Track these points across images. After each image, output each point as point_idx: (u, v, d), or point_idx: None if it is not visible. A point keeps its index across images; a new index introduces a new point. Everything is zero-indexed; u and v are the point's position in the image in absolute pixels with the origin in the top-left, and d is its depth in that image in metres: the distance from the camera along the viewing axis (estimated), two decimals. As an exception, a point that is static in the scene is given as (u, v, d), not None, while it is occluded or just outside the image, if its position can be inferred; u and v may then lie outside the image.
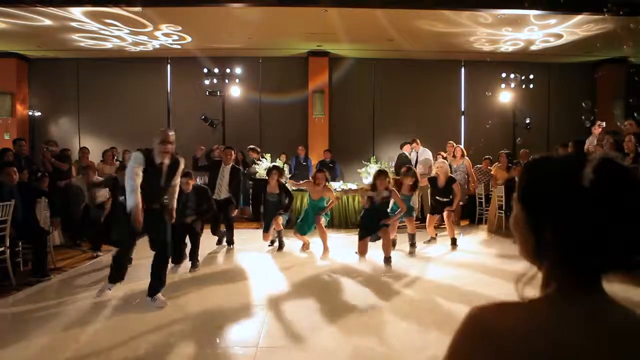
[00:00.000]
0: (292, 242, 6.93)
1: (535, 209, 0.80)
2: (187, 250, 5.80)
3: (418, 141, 9.81)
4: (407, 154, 9.66)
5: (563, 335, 0.72)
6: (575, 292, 0.77)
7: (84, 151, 8.25)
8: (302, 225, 6.45)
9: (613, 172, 0.75)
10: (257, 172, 9.26)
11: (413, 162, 9.74)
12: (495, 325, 0.75)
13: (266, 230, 6.60)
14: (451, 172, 9.05)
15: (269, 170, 6.79)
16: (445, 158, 9.18)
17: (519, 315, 0.75)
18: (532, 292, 0.80)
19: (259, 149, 9.64)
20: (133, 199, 4.07)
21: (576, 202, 0.75)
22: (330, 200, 6.54)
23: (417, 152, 9.80)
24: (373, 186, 5.90)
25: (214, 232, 6.82)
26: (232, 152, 7.19)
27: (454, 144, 9.54)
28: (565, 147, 7.52)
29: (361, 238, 5.97)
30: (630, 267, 0.77)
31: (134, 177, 4.13)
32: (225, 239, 6.86)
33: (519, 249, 0.84)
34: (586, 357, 0.72)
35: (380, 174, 5.92)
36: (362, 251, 5.96)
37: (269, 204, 6.60)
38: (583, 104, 7.55)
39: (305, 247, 6.62)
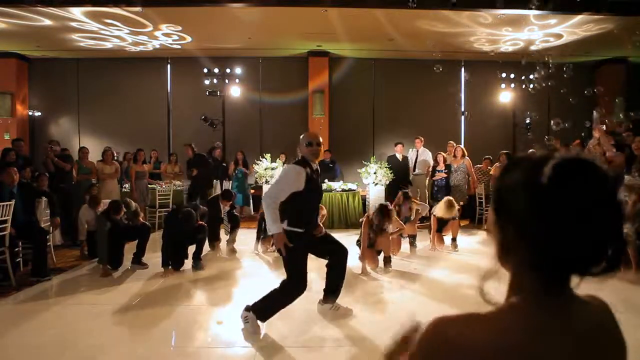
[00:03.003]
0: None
1: (500, 208, 0.79)
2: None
3: (422, 139, 9.75)
4: (398, 155, 9.59)
5: (533, 349, 0.70)
6: (541, 299, 0.74)
7: (83, 151, 8.23)
8: None
9: (572, 170, 0.72)
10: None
11: (412, 163, 9.72)
12: (461, 340, 0.72)
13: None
14: (451, 172, 9.07)
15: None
16: (445, 159, 9.18)
17: (487, 328, 0.72)
18: (496, 289, 0.79)
19: (192, 144, 9.71)
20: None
21: (533, 200, 0.72)
22: (323, 214, 6.56)
23: (417, 151, 9.78)
24: (378, 223, 5.52)
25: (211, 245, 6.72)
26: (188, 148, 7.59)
27: (454, 144, 9.53)
28: (566, 146, 7.49)
29: (369, 246, 5.58)
30: (597, 272, 0.73)
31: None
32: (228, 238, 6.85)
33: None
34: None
35: (383, 211, 5.51)
36: (372, 260, 5.58)
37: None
38: (594, 112, 7.56)
39: None
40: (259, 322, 3.65)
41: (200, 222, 5.87)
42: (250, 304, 3.68)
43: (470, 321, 0.74)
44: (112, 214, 5.54)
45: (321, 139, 3.75)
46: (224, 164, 10.53)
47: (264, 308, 3.64)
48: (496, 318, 0.74)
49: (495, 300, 0.77)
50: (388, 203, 5.95)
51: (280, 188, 3.57)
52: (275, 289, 3.64)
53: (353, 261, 5.95)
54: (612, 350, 0.77)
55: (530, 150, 0.83)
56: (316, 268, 5.71)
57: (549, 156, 0.74)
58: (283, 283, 3.63)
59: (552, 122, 7.09)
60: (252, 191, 10.45)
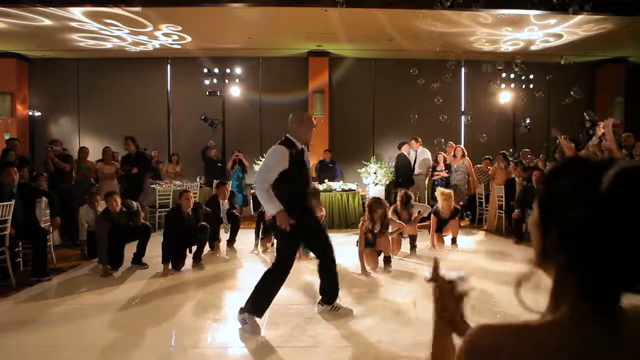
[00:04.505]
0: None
1: (547, 208, 0.75)
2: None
3: (419, 140, 9.79)
4: (405, 154, 9.66)
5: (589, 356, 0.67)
6: (589, 314, 0.70)
7: (84, 151, 8.22)
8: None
9: (634, 180, 0.67)
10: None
11: (412, 162, 9.75)
12: (502, 351, 0.69)
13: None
14: (451, 172, 9.08)
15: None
16: (445, 159, 9.19)
17: (529, 342, 0.69)
18: (531, 296, 0.76)
19: (133, 137, 8.65)
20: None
21: (590, 208, 0.67)
22: (322, 214, 6.54)
23: (417, 151, 9.79)
24: (370, 218, 5.49)
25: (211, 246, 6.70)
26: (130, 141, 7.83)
27: (453, 144, 9.54)
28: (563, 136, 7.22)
29: (366, 245, 5.54)
30: None
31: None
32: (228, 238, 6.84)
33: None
34: None
35: (375, 203, 5.51)
36: (372, 260, 5.56)
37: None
38: (585, 115, 7.50)
39: (306, 256, 6.41)
40: (256, 319, 3.67)
41: (202, 223, 5.88)
42: (243, 305, 3.71)
43: (513, 332, 0.71)
44: (109, 209, 5.55)
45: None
46: (220, 164, 10.54)
47: (256, 303, 3.67)
48: (540, 331, 0.70)
49: (535, 309, 0.74)
50: (379, 197, 5.98)
51: (267, 169, 3.64)
52: (260, 281, 3.70)
53: (353, 261, 5.95)
54: None
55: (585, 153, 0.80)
56: (313, 271, 5.69)
57: (609, 163, 0.70)
58: (267, 271, 3.72)
59: (572, 91, 7.00)
60: (252, 191, 10.44)
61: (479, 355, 0.71)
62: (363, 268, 5.46)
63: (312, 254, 6.33)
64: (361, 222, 5.67)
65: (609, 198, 0.66)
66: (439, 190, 6.90)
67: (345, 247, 6.85)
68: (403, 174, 9.33)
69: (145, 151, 9.79)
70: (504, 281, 4.80)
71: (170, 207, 8.87)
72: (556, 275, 0.74)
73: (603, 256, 0.67)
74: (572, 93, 7.17)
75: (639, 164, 0.69)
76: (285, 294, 4.67)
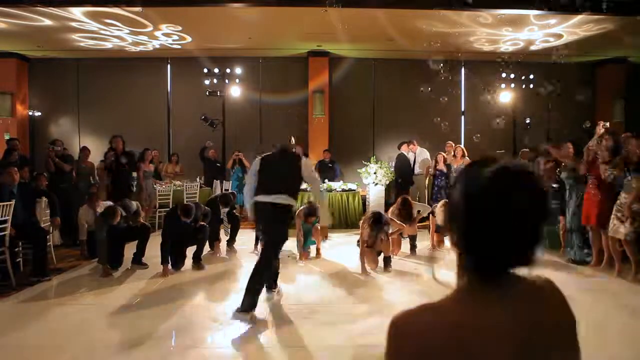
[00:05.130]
0: (291, 242, 6.90)
1: (451, 204, 0.91)
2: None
3: (415, 142, 9.82)
4: (405, 153, 9.66)
5: (469, 326, 0.79)
6: (478, 285, 0.84)
7: (85, 151, 8.20)
8: (305, 242, 6.33)
9: (505, 178, 0.82)
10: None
11: (411, 163, 9.75)
12: (410, 328, 0.83)
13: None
14: (451, 172, 9.07)
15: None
16: (445, 159, 9.17)
17: (431, 314, 0.83)
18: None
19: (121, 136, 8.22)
20: None
21: (463, 204, 0.84)
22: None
23: (415, 153, 9.80)
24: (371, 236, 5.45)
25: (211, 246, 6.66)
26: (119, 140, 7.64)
27: (453, 144, 9.54)
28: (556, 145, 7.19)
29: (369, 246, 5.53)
30: (525, 263, 0.83)
31: None
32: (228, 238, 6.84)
33: None
34: (505, 336, 0.79)
35: (375, 225, 5.41)
36: (372, 260, 5.55)
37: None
38: (583, 126, 7.51)
39: (306, 256, 6.42)
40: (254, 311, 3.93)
41: (202, 223, 5.88)
42: (240, 306, 3.94)
43: (419, 310, 0.85)
44: (108, 220, 5.54)
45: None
46: (218, 164, 10.54)
47: (251, 297, 3.93)
48: (440, 304, 0.85)
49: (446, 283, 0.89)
50: (382, 213, 5.83)
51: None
52: (250, 278, 4.02)
53: (353, 261, 5.96)
54: (556, 326, 0.84)
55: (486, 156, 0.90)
56: (314, 272, 5.73)
57: (485, 164, 0.85)
58: (255, 266, 4.09)
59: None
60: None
61: (400, 337, 0.84)
62: (364, 268, 5.46)
63: (312, 254, 6.36)
64: (362, 220, 5.68)
65: (478, 193, 0.83)
66: (440, 204, 6.77)
67: (345, 247, 6.87)
68: (403, 174, 9.34)
69: (205, 149, 10.18)
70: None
71: (170, 207, 8.89)
72: (458, 256, 0.88)
73: (477, 241, 0.83)
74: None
75: (506, 165, 0.83)
76: (285, 294, 4.68)
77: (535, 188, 0.83)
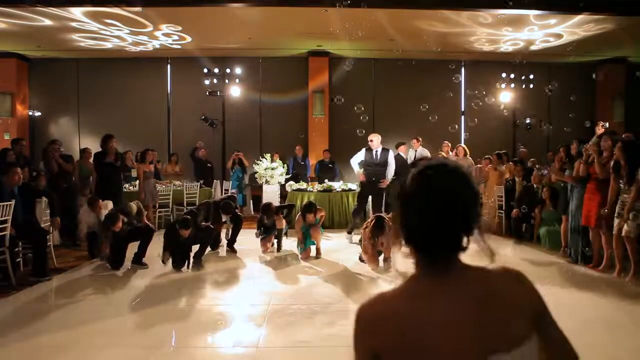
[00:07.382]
0: (291, 242, 6.92)
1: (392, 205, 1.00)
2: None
3: (420, 139, 9.77)
4: (402, 154, 9.63)
5: (415, 309, 0.88)
6: (424, 273, 0.93)
7: (86, 152, 8.15)
8: (305, 242, 6.34)
9: (426, 172, 0.93)
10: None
11: (408, 164, 9.73)
12: (367, 315, 0.92)
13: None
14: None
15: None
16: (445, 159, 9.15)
17: (383, 301, 0.93)
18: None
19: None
20: None
21: (401, 200, 0.95)
22: (321, 215, 6.53)
23: (416, 151, 9.79)
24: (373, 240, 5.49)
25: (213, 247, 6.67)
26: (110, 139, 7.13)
27: (450, 144, 9.54)
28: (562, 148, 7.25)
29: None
30: (461, 248, 0.94)
31: None
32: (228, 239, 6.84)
33: None
34: (456, 319, 0.86)
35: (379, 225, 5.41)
36: (372, 260, 5.58)
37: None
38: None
39: (306, 255, 6.41)
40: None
41: (208, 224, 5.89)
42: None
43: (374, 301, 0.93)
44: (109, 227, 5.56)
45: None
46: (209, 164, 10.54)
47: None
48: (392, 292, 0.94)
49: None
50: (383, 217, 5.77)
51: None
52: None
53: (353, 261, 5.96)
54: (504, 310, 0.90)
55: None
56: (314, 272, 5.72)
57: (416, 165, 0.95)
58: None
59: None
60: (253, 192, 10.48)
61: (362, 323, 0.92)
62: (369, 260, 5.53)
63: (312, 254, 6.36)
64: (364, 225, 5.67)
65: (406, 188, 0.94)
66: None
67: (345, 247, 6.87)
68: (400, 175, 9.30)
69: (196, 149, 10.32)
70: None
71: (170, 207, 8.89)
72: (410, 251, 0.96)
73: (412, 231, 0.94)
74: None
75: (430, 163, 0.94)
76: (285, 294, 4.68)
77: (455, 178, 0.92)
